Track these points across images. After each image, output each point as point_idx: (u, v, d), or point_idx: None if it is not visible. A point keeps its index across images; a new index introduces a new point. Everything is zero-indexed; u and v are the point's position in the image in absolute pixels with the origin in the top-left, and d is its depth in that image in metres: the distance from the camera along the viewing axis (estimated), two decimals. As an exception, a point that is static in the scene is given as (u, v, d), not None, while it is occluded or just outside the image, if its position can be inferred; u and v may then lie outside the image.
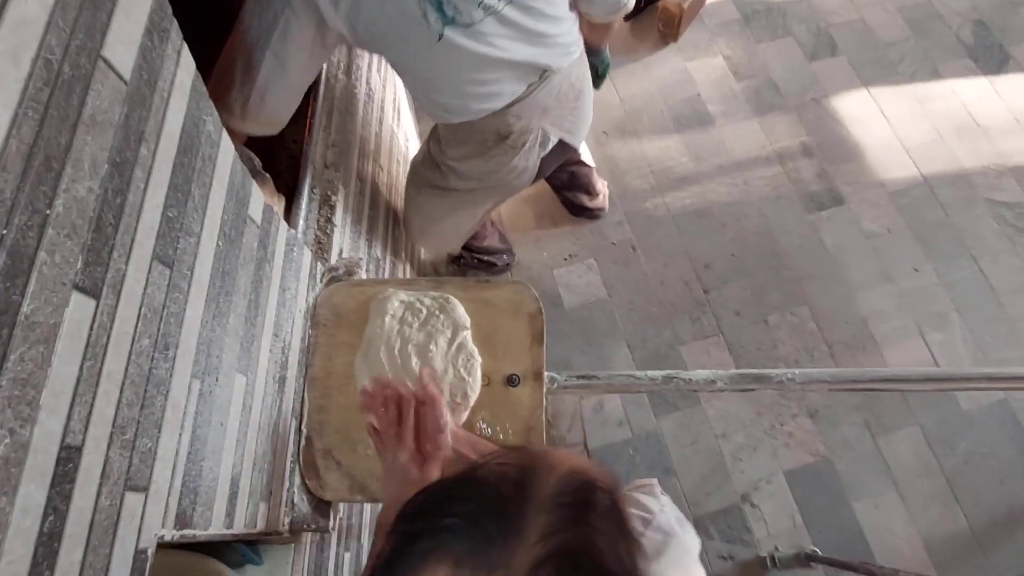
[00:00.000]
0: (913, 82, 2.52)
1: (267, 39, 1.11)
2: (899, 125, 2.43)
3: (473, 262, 2.09)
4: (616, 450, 1.91)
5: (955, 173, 2.35)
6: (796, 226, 2.25)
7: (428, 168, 1.51)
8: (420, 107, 1.30)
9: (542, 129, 1.35)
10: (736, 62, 2.54)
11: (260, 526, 0.85)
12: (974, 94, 2.48)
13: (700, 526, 1.85)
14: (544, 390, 1.02)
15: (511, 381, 1.03)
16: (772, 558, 1.73)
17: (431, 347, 1.02)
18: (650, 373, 1.04)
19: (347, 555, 1.22)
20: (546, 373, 1.03)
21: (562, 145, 1.43)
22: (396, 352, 1.02)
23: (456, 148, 1.40)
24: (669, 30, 2.53)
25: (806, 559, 1.67)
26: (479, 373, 1.02)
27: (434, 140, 1.47)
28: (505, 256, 2.13)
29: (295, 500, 0.96)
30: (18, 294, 0.46)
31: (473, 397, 1.01)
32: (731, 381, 1.03)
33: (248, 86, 1.14)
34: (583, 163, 2.11)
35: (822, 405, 2.00)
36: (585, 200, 2.17)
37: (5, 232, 0.45)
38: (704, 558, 1.79)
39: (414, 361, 1.01)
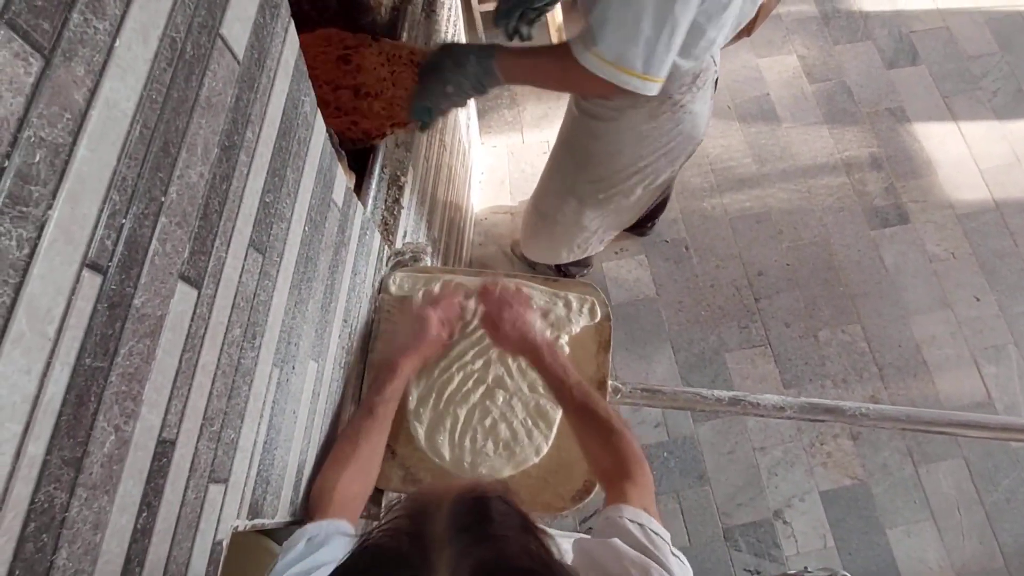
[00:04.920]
0: (995, 99, 2.40)
1: None
2: (975, 144, 2.32)
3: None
4: (651, 452, 1.89)
5: (1030, 200, 2.25)
6: (856, 241, 2.17)
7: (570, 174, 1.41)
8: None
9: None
10: (810, 63, 2.43)
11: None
12: (1060, 118, 2.35)
13: (729, 537, 1.83)
14: (607, 400, 0.99)
15: (573, 387, 1.00)
16: (801, 578, 1.70)
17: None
18: (716, 393, 1.00)
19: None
20: (610, 382, 1.00)
21: None
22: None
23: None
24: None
25: (836, 584, 1.64)
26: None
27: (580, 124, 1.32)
28: (585, 269, 2.06)
29: (348, 486, 0.96)
30: (131, 286, 0.44)
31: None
32: (800, 410, 0.99)
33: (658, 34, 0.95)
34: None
35: (866, 428, 1.95)
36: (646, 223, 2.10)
37: (124, 221, 0.43)
38: (730, 570, 1.77)
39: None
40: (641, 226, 2.10)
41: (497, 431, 0.96)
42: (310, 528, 0.70)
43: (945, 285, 2.12)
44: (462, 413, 0.96)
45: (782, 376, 1.99)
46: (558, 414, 0.99)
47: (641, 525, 0.67)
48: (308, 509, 0.78)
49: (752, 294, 2.09)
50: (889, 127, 2.34)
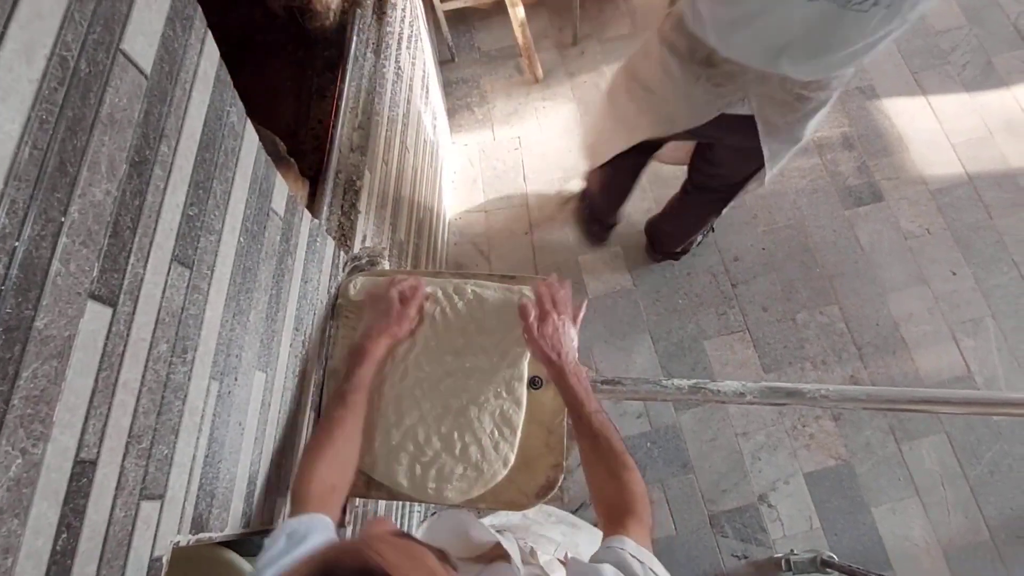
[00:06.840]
0: (964, 73, 2.40)
1: None
2: (946, 119, 2.33)
3: (584, 213, 2.04)
4: (634, 443, 1.89)
5: (1002, 173, 2.25)
6: (831, 221, 2.17)
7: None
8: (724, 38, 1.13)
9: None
10: (778, 46, 2.43)
11: (278, 522, 0.85)
12: (1029, 89, 2.36)
13: (715, 524, 1.83)
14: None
15: (533, 383, 1.00)
16: (787, 561, 1.71)
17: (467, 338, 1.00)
18: (676, 382, 1.00)
19: (361, 542, 1.22)
20: (570, 377, 1.00)
21: None
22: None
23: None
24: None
25: (822, 565, 1.64)
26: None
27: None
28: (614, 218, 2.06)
29: (311, 494, 0.95)
30: (31, 308, 0.44)
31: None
32: (761, 394, 0.99)
33: None
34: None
35: (847, 408, 1.95)
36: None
37: (17, 244, 0.42)
38: (718, 556, 1.77)
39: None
40: (670, 252, 2.09)
41: (468, 454, 0.95)
42: (290, 523, 0.70)
43: (921, 261, 2.13)
44: (429, 448, 0.95)
45: (761, 360, 1.99)
46: (520, 416, 0.98)
47: (642, 563, 0.66)
48: (290, 504, 0.79)
49: (729, 280, 2.10)
50: (859, 105, 2.34)
